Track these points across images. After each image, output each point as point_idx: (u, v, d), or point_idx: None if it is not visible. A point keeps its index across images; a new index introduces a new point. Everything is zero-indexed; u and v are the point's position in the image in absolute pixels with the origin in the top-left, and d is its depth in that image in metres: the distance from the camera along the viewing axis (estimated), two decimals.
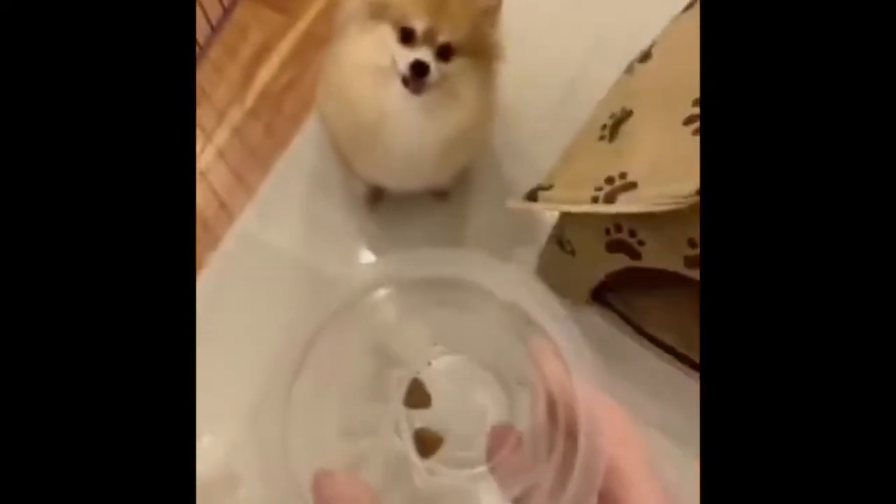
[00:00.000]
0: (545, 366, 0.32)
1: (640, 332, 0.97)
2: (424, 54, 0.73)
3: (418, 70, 0.73)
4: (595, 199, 0.71)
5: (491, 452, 0.33)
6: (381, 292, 0.35)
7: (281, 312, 0.98)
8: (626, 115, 0.77)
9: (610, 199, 0.69)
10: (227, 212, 1.06)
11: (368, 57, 0.76)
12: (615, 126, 0.77)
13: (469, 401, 0.35)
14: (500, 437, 0.34)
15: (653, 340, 0.97)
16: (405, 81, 0.75)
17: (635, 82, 0.82)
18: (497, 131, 1.08)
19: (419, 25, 0.73)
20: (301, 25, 1.19)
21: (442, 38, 0.74)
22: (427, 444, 0.34)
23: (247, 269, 1.02)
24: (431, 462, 0.33)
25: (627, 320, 0.97)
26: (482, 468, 0.33)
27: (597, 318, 0.98)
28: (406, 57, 0.73)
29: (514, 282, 0.33)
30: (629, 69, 0.86)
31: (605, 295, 0.96)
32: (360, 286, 0.34)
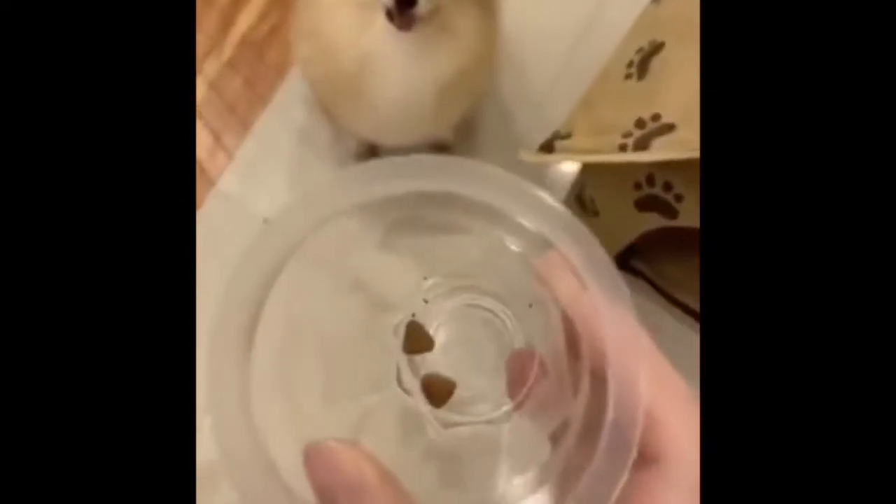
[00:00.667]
0: (557, 283, 0.25)
1: (669, 299, 0.86)
2: None
3: (404, 0, 0.61)
4: (623, 147, 0.60)
5: (513, 385, 0.29)
6: (351, 218, 0.28)
7: None
8: (657, 47, 0.65)
9: (642, 145, 0.58)
10: (206, 176, 0.95)
11: None
12: (644, 61, 0.66)
13: (477, 335, 0.30)
14: (521, 366, 0.29)
15: (683, 307, 0.86)
16: (390, 16, 0.63)
17: (665, 10, 0.70)
18: (504, 75, 0.96)
19: None
20: None
21: None
22: (437, 391, 0.29)
23: (229, 239, 0.92)
24: (444, 411, 0.29)
25: (655, 287, 0.86)
26: (505, 408, 0.29)
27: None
28: None
29: (518, 192, 0.25)
30: None
31: (631, 260, 0.85)
32: (323, 211, 0.26)
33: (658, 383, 0.25)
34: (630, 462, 0.22)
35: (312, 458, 0.23)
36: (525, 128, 0.94)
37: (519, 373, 0.30)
